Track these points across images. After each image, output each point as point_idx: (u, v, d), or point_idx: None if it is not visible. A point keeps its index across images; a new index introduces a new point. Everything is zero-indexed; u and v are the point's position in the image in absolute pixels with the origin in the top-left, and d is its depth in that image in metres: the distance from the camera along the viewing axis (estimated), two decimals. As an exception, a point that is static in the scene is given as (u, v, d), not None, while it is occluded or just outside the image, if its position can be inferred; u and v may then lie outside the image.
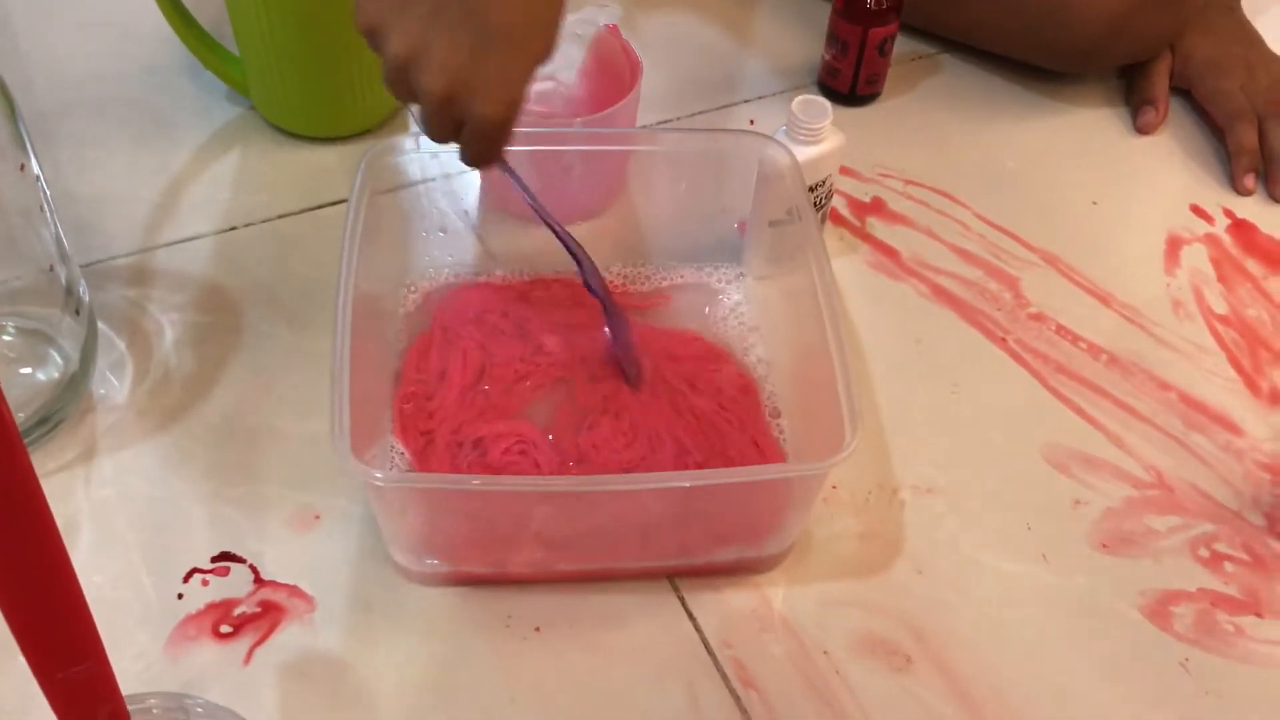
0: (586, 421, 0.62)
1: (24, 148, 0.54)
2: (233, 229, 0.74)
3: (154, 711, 0.42)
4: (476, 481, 0.53)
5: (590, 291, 0.63)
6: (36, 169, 0.56)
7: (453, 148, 0.56)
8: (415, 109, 0.55)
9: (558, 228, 0.62)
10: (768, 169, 0.66)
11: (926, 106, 0.86)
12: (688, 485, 0.53)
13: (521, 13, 0.52)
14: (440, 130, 0.54)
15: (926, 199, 0.79)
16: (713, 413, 0.63)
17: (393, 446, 0.61)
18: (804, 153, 0.67)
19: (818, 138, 0.67)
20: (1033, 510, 0.63)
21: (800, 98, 0.67)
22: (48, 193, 0.58)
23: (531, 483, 0.53)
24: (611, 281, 0.70)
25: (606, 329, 0.64)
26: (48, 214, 0.58)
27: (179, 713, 0.43)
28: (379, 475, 0.52)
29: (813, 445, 0.60)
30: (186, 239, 0.73)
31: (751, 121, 0.84)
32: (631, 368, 0.64)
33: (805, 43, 0.90)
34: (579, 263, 0.63)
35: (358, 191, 0.61)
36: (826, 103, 0.67)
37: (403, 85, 0.53)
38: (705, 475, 0.56)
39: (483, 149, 0.54)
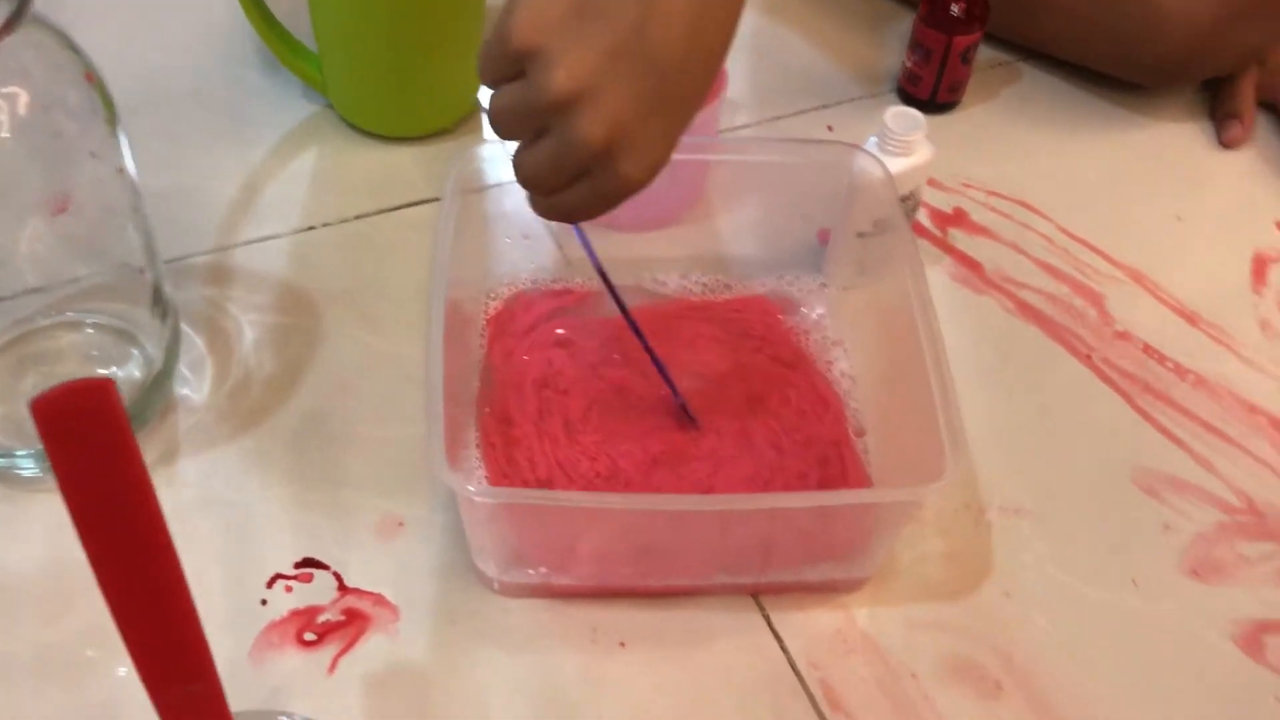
0: (671, 431, 0.62)
1: (121, 151, 0.54)
2: (310, 229, 0.73)
3: (261, 729, 0.42)
4: (572, 497, 0.52)
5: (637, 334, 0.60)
6: (133, 171, 0.55)
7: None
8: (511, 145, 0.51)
9: (607, 278, 0.59)
10: (858, 180, 0.65)
11: (1007, 116, 0.85)
12: (792, 507, 0.52)
13: (698, 78, 0.48)
14: (564, 177, 0.48)
15: (1009, 211, 0.78)
16: (793, 428, 0.62)
17: (476, 457, 0.60)
18: (895, 164, 0.66)
19: (910, 150, 0.66)
20: (1122, 534, 0.62)
21: (893, 109, 0.66)
22: (141, 195, 0.58)
23: (628, 500, 0.52)
24: (689, 290, 0.70)
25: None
26: (141, 216, 0.57)
27: (284, 731, 0.43)
28: (473, 488, 0.51)
29: (901, 466, 0.59)
30: (264, 238, 0.72)
31: (830, 128, 0.82)
32: (682, 406, 0.61)
33: (884, 48, 0.88)
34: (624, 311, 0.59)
35: (450, 198, 0.60)
36: (919, 114, 0.66)
37: (536, 120, 0.47)
38: (806, 498, 0.55)
39: (600, 208, 0.50)
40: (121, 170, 0.54)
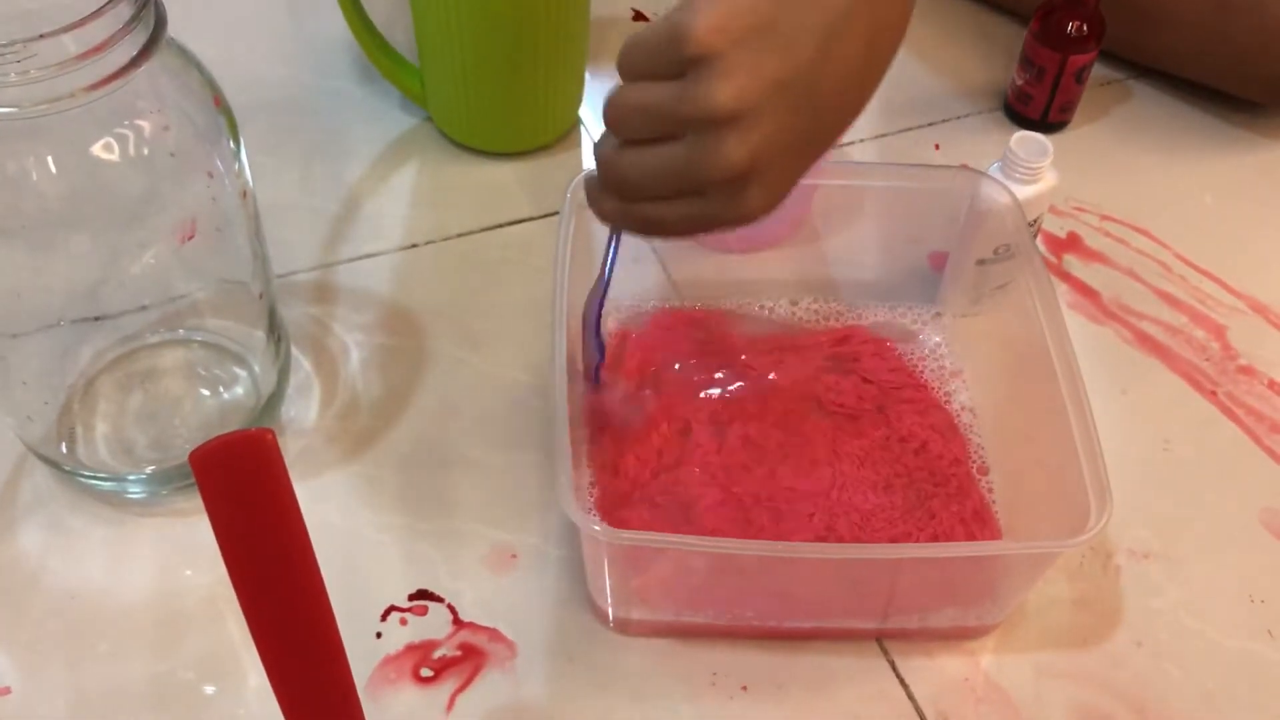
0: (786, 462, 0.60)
1: (245, 174, 0.53)
2: (413, 246, 0.72)
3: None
4: (712, 543, 0.51)
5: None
6: (254, 193, 0.54)
7: None
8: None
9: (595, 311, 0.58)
10: (982, 206, 0.63)
11: (1118, 136, 0.82)
12: (928, 557, 0.51)
13: (843, 125, 0.48)
14: (671, 189, 0.46)
15: (1124, 236, 0.76)
16: (921, 464, 0.60)
17: (589, 483, 0.59)
18: (1021, 191, 0.63)
19: (1036, 176, 0.64)
20: (1255, 581, 0.60)
21: (1019, 134, 0.64)
22: (260, 217, 0.57)
23: (765, 547, 0.51)
24: (800, 317, 0.68)
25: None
26: (261, 240, 0.56)
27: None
28: (599, 529, 0.50)
29: (1033, 511, 0.57)
30: (366, 255, 0.71)
31: (937, 147, 0.80)
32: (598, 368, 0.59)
33: (990, 65, 0.86)
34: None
35: (566, 221, 0.59)
36: (1046, 141, 0.64)
37: (674, 125, 0.44)
38: (941, 548, 0.53)
39: (694, 230, 0.47)
40: (245, 194, 0.53)
